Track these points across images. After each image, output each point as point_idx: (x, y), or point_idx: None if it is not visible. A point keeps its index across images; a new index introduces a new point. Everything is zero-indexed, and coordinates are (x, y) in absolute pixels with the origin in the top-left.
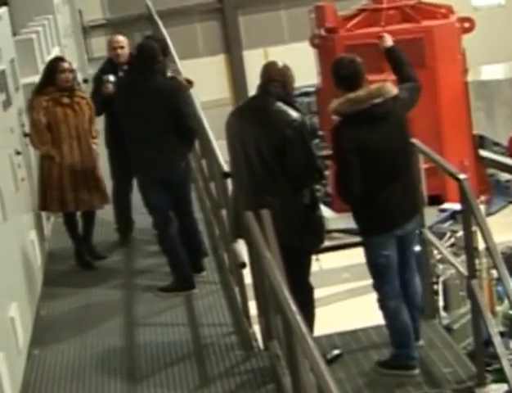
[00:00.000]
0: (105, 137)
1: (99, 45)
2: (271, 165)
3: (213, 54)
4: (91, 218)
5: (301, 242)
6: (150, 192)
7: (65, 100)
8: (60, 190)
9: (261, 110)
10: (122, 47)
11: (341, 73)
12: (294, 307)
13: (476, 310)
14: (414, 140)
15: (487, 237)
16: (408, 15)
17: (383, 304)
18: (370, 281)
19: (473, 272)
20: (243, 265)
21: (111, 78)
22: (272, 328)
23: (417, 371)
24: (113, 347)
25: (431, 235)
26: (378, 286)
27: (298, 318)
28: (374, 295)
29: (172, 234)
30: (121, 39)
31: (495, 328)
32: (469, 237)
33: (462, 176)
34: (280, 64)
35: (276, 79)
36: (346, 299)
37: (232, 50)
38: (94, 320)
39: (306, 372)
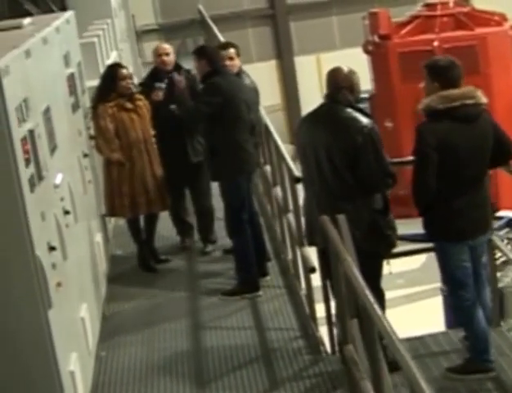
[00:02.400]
0: None
1: (151, 50)
2: (342, 172)
3: (265, 60)
4: (154, 221)
5: (373, 246)
6: (241, 190)
7: (129, 105)
8: (132, 195)
9: (331, 118)
10: (168, 54)
11: (449, 74)
12: (379, 310)
13: None
14: None
15: None
16: (462, 23)
17: (463, 311)
18: (425, 287)
19: None
20: (313, 270)
21: (162, 85)
22: (348, 333)
23: (494, 373)
24: (180, 350)
25: (499, 241)
26: (457, 294)
27: (385, 321)
28: (429, 302)
29: (248, 233)
30: (167, 47)
31: None
32: None
33: None
34: (346, 69)
35: (343, 85)
36: (401, 305)
37: (284, 56)
38: (159, 323)
39: (387, 376)
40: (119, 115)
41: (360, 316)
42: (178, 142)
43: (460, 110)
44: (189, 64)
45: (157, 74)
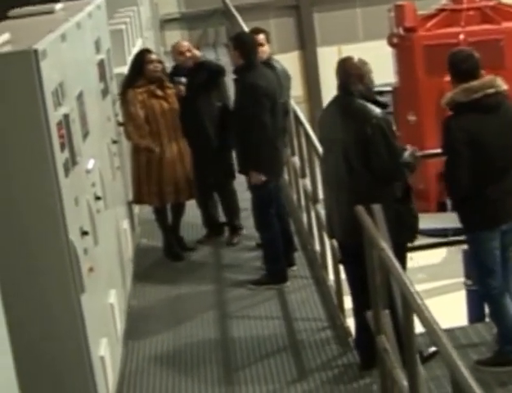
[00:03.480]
0: None
1: (173, 39)
2: (356, 164)
3: (287, 51)
4: (181, 210)
5: (397, 237)
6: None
7: (159, 92)
8: (159, 184)
9: (343, 110)
10: (189, 51)
11: (462, 66)
12: (419, 299)
13: None
14: None
15: None
16: (488, 17)
17: (492, 300)
18: (446, 281)
19: None
20: (342, 261)
21: (183, 79)
22: (381, 323)
23: None
24: (207, 339)
25: None
26: (485, 282)
27: (426, 309)
28: (450, 296)
29: (276, 226)
30: (187, 44)
31: None
32: None
33: None
34: (355, 58)
35: (351, 73)
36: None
37: (306, 47)
38: (186, 312)
39: (420, 367)
40: (149, 102)
41: (392, 306)
42: (203, 135)
43: (482, 101)
44: (210, 55)
45: (179, 71)
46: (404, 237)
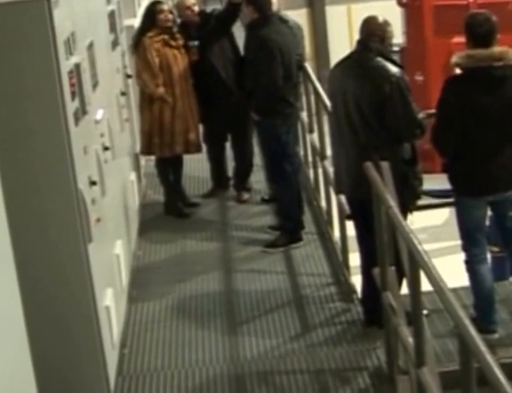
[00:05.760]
0: None
1: None
2: (370, 120)
3: (296, 8)
4: (180, 161)
5: (399, 197)
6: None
7: (172, 42)
8: (172, 133)
9: (360, 66)
10: (194, 4)
11: (477, 30)
12: (426, 257)
13: None
14: None
15: None
16: None
17: (469, 266)
18: (447, 243)
19: None
20: (349, 217)
21: (195, 43)
22: (387, 279)
23: (497, 335)
24: (212, 292)
25: None
26: (466, 248)
27: (433, 267)
28: (452, 258)
29: (292, 181)
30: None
31: None
32: None
33: None
34: (381, 19)
35: (375, 33)
36: None
37: (315, 5)
38: (190, 265)
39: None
40: (164, 51)
41: (399, 264)
42: (220, 86)
43: (486, 72)
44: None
45: (186, 28)
46: (406, 198)
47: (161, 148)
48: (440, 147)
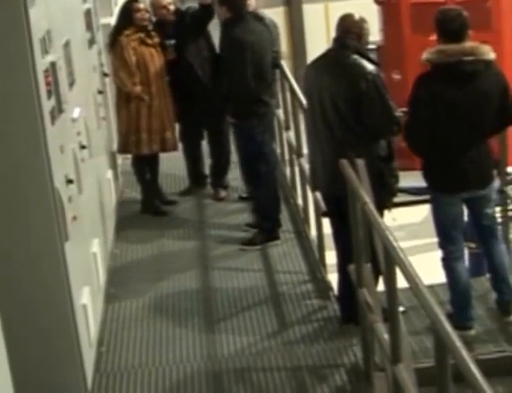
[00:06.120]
0: None
1: None
2: (345, 117)
3: (273, 6)
4: (157, 159)
5: (375, 195)
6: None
7: (148, 41)
8: (149, 131)
9: (336, 63)
10: (170, 4)
11: (449, 26)
12: (402, 254)
13: None
14: None
15: None
16: None
17: (446, 263)
18: (425, 240)
19: None
20: (325, 214)
21: (172, 42)
22: (363, 276)
23: (473, 332)
24: (189, 289)
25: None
26: (442, 245)
27: (409, 264)
28: (429, 255)
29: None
30: None
31: None
32: None
33: None
34: (357, 16)
35: (351, 30)
36: None
37: (293, 3)
38: (167, 263)
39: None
40: (140, 49)
41: (375, 260)
42: (197, 84)
43: (456, 67)
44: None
45: (161, 27)
46: (382, 195)
47: (138, 146)
48: (413, 145)
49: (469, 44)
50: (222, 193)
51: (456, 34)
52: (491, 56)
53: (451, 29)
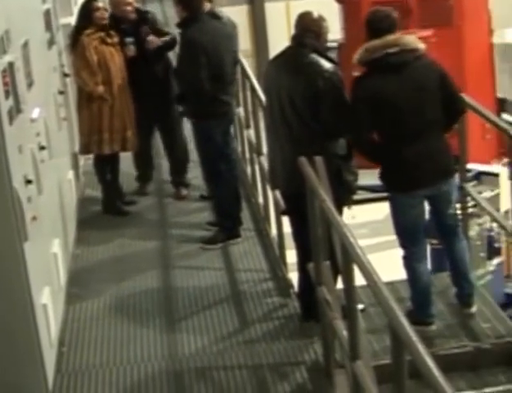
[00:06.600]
0: None
1: None
2: (303, 115)
3: (236, 4)
4: (117, 159)
5: (334, 193)
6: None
7: (108, 40)
8: (110, 131)
9: (294, 61)
10: (130, 4)
11: (377, 26)
12: (360, 251)
13: None
14: (464, 96)
15: None
16: None
17: (407, 263)
18: (387, 237)
19: None
20: (284, 212)
21: (131, 39)
22: (322, 274)
23: (434, 327)
24: (150, 289)
25: (472, 190)
26: (404, 245)
27: (367, 261)
28: (392, 252)
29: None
30: None
31: None
32: None
33: None
34: (316, 14)
35: (310, 29)
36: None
37: (255, 1)
38: (128, 263)
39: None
40: (101, 48)
41: (333, 257)
42: (156, 83)
43: (383, 61)
44: (155, 7)
45: (118, 24)
46: (341, 193)
47: (100, 146)
48: (358, 147)
49: (391, 37)
50: (184, 192)
51: (382, 34)
52: (420, 46)
53: (378, 29)
